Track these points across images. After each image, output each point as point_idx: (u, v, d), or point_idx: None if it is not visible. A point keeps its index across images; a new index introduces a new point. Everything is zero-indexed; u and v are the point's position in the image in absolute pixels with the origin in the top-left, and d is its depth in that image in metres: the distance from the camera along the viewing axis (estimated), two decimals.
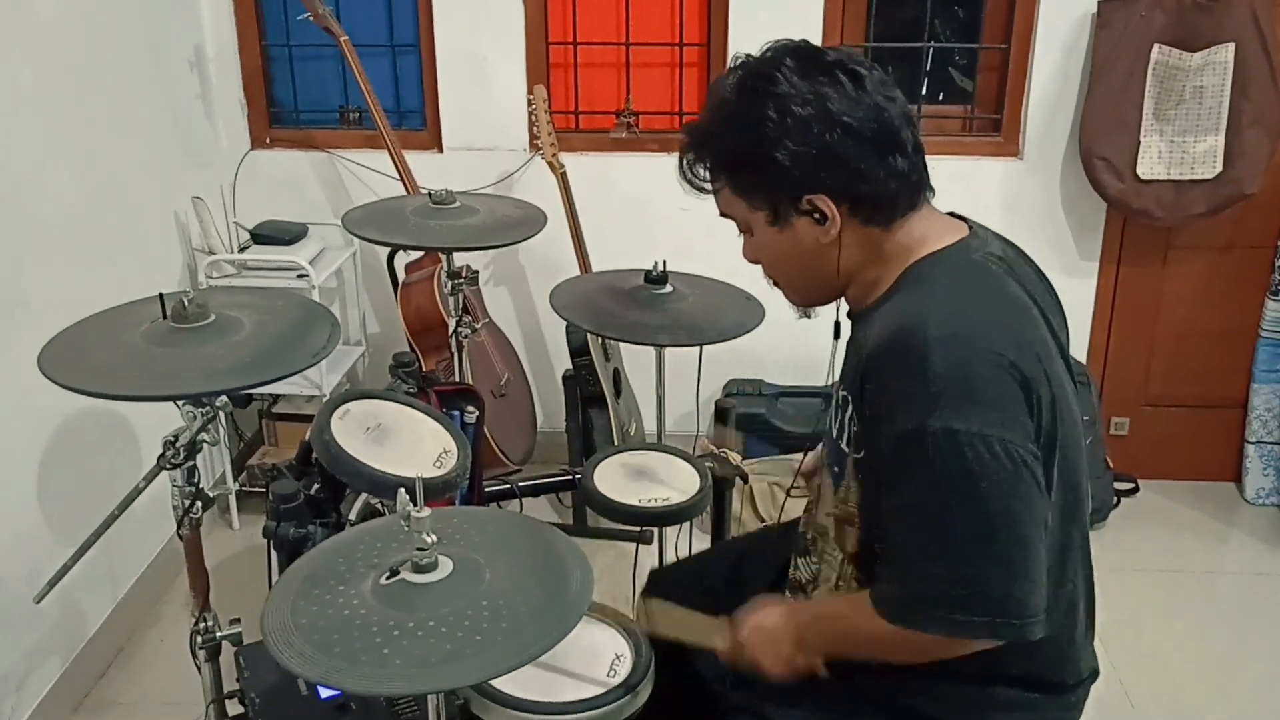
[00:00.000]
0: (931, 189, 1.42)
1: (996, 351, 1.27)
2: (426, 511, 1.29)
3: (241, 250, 3.19)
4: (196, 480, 1.67)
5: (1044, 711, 1.48)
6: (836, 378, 1.52)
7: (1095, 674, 1.54)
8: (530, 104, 3.13)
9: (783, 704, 1.54)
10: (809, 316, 1.57)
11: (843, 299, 1.49)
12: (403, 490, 1.30)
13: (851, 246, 1.39)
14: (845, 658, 1.46)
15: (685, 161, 1.44)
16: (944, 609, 1.28)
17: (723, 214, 1.47)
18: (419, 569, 1.28)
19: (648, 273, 2.23)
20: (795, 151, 1.32)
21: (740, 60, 1.41)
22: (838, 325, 1.56)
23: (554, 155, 3.05)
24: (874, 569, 1.42)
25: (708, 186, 1.44)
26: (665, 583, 1.91)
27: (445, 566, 1.29)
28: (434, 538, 1.28)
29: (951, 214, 1.48)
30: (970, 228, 1.45)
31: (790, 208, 1.37)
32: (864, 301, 1.44)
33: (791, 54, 1.36)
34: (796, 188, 1.35)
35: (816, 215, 1.37)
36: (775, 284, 1.51)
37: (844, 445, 1.42)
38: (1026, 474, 1.27)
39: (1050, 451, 1.32)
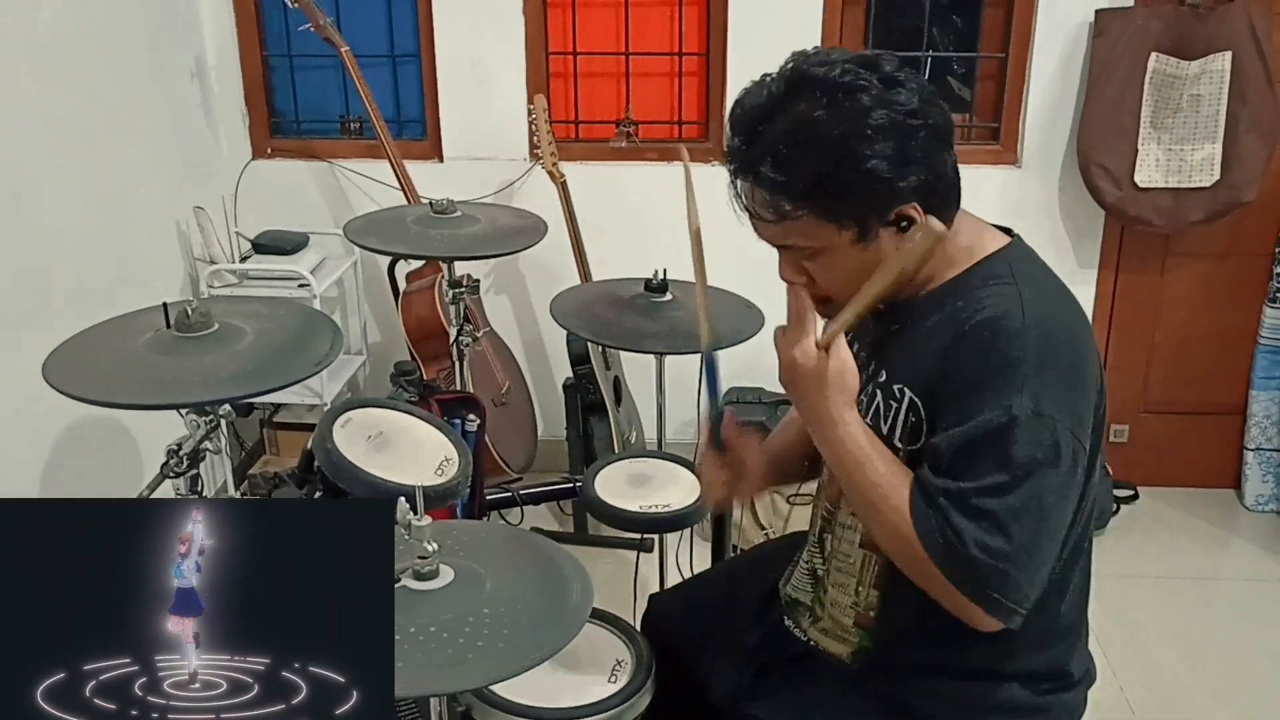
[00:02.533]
0: None
1: (1082, 339, 1.33)
2: (427, 520, 1.30)
3: (243, 260, 3.20)
4: (200, 488, 1.68)
5: (1047, 714, 1.48)
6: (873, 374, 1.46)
7: (1091, 676, 1.54)
8: (530, 113, 3.15)
9: (785, 710, 1.54)
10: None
11: None
12: (403, 499, 1.31)
13: None
14: (838, 472, 1.38)
15: (760, 193, 1.33)
16: (969, 563, 1.25)
17: (781, 246, 1.38)
18: (420, 576, 1.29)
19: (647, 281, 2.24)
20: (892, 161, 1.28)
21: (793, 76, 1.31)
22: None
23: (554, 164, 3.07)
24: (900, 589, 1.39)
25: (770, 216, 1.34)
26: (663, 605, 1.91)
27: (446, 575, 1.30)
28: (435, 545, 1.29)
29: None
30: (1005, 230, 1.46)
31: (878, 221, 1.32)
32: (906, 294, 1.41)
33: (858, 63, 1.30)
34: (890, 200, 1.30)
35: (904, 224, 1.32)
36: (821, 298, 1.40)
37: (896, 441, 1.38)
38: (1079, 473, 1.31)
39: (1096, 439, 1.35)
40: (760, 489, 1.68)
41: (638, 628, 1.78)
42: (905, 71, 1.32)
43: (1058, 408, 1.27)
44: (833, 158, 1.28)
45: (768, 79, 1.34)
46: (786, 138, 1.30)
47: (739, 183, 1.36)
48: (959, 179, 1.38)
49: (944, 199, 1.35)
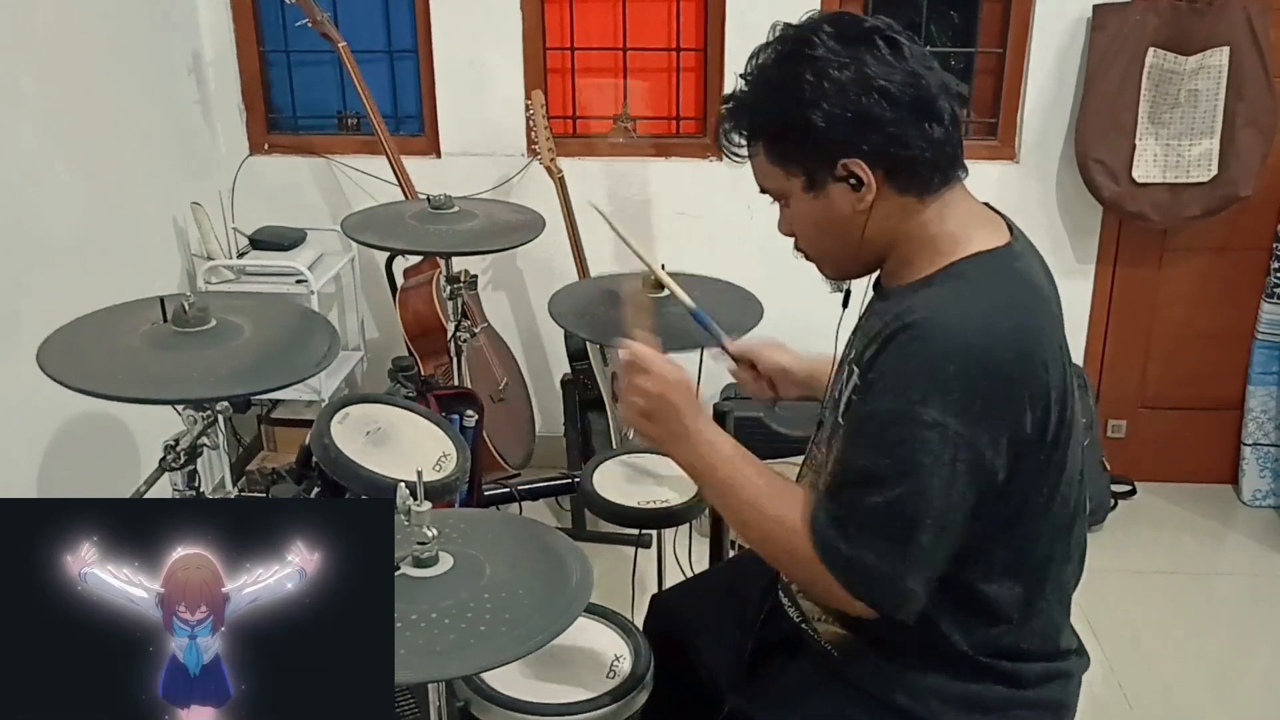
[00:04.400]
0: (964, 168, 1.40)
1: (1007, 372, 1.28)
2: (426, 505, 1.30)
3: (240, 256, 3.19)
4: (197, 484, 1.68)
5: (1033, 709, 1.48)
6: (844, 351, 1.51)
7: (1067, 675, 1.52)
8: (528, 109, 3.14)
9: (783, 707, 1.54)
10: (841, 290, 1.55)
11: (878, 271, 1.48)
12: (402, 485, 1.31)
13: (884, 215, 1.37)
14: (702, 486, 1.49)
15: (723, 129, 1.43)
16: (863, 574, 1.32)
17: (761, 188, 1.45)
18: (419, 563, 1.29)
19: (645, 278, 2.23)
20: (831, 115, 1.31)
21: (779, 29, 1.40)
22: (848, 294, 1.53)
23: (552, 160, 3.06)
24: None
25: (743, 154, 1.43)
26: (666, 602, 1.91)
27: (445, 562, 1.30)
28: (434, 531, 1.29)
29: (985, 204, 1.46)
30: (1009, 229, 1.43)
31: (826, 174, 1.35)
32: (896, 280, 1.42)
33: (829, 21, 1.35)
34: (832, 152, 1.34)
35: (852, 181, 1.35)
36: (808, 257, 1.48)
37: (840, 418, 1.40)
38: (967, 477, 1.28)
39: (1053, 455, 1.34)
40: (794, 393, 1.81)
41: (640, 626, 1.78)
42: (892, 37, 1.34)
43: (961, 423, 1.26)
44: (778, 104, 1.36)
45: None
46: (748, 83, 1.40)
47: (720, 124, 1.45)
48: (939, 160, 1.36)
49: (908, 173, 1.35)
